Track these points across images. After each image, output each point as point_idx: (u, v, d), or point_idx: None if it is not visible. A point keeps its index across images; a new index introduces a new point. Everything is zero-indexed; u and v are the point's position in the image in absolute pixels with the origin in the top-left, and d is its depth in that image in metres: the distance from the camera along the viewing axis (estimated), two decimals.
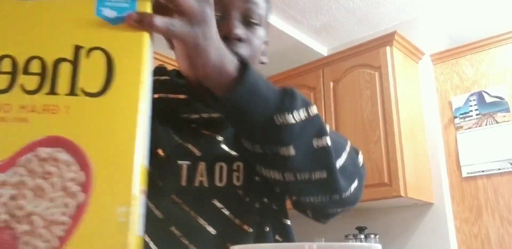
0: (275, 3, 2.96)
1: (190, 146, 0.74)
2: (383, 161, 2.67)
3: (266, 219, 0.77)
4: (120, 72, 0.35)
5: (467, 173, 2.75)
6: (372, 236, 2.83)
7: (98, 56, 0.34)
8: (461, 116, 2.85)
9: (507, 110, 2.69)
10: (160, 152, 0.72)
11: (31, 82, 0.34)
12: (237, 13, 0.74)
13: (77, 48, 0.34)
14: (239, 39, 0.73)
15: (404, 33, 2.93)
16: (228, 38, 0.71)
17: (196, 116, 0.75)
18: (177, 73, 0.82)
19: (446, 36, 3.37)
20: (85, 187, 0.32)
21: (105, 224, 0.32)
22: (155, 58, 2.51)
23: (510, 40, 2.79)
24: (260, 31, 0.78)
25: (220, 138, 0.77)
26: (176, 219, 0.70)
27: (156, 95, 0.76)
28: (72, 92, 0.34)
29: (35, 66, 0.34)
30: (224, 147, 0.77)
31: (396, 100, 2.74)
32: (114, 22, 0.35)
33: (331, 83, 3.05)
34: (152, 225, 0.64)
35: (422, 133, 2.91)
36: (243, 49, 0.73)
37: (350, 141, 0.83)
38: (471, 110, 2.82)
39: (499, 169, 2.64)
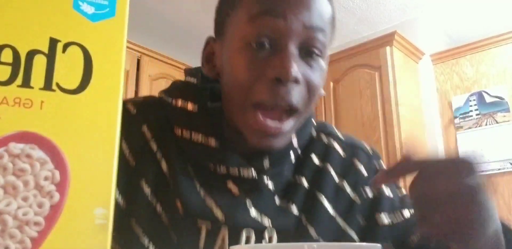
0: None
1: (213, 205, 0.61)
2: (383, 161, 2.65)
3: None
4: (99, 70, 0.33)
5: None
6: None
7: (75, 52, 0.33)
8: (461, 116, 2.84)
9: (507, 110, 2.68)
10: (179, 205, 0.60)
11: (2, 72, 0.32)
12: (296, 42, 0.57)
13: (53, 41, 0.33)
14: (296, 81, 0.57)
15: (404, 33, 2.91)
16: (282, 82, 0.55)
17: (223, 171, 0.62)
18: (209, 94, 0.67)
19: (446, 36, 3.36)
20: (60, 186, 0.31)
21: (82, 226, 0.31)
22: (160, 60, 2.49)
23: (510, 40, 2.78)
24: (322, 64, 0.61)
25: (249, 202, 0.63)
26: None
27: (178, 130, 0.63)
28: (47, 87, 0.32)
29: (6, 56, 0.32)
30: (253, 211, 0.62)
31: (396, 100, 2.73)
32: (92, 18, 0.34)
33: (331, 83, 3.04)
34: None
35: (422, 133, 2.90)
36: (298, 93, 0.57)
37: None
38: (471, 111, 2.81)
39: (499, 169, 2.63)
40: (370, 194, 0.69)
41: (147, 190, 0.61)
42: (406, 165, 0.48)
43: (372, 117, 2.78)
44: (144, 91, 2.83)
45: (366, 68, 2.90)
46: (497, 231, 0.48)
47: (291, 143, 0.65)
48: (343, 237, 0.65)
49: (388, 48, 2.84)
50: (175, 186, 0.61)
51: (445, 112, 2.93)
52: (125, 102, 0.65)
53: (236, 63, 0.57)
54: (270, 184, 0.64)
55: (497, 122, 2.70)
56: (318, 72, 0.60)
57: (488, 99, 2.76)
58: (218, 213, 0.61)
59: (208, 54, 0.66)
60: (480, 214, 0.44)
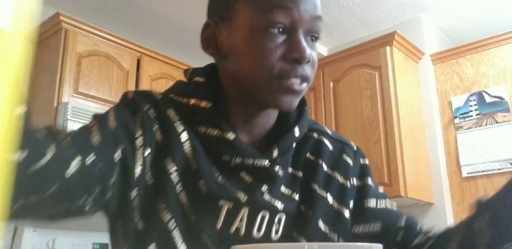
0: None
1: (235, 189, 0.69)
2: (383, 161, 2.66)
3: None
4: None
5: (467, 173, 2.75)
6: None
7: None
8: (461, 116, 2.85)
9: (507, 110, 2.69)
10: (203, 185, 0.68)
11: None
12: (304, 29, 0.68)
13: None
14: (308, 61, 0.68)
15: (404, 33, 2.92)
16: (299, 61, 0.66)
17: (239, 161, 0.70)
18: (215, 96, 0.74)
19: (446, 36, 3.37)
20: None
21: None
22: (160, 60, 2.49)
23: (510, 40, 2.79)
24: (317, 46, 0.73)
25: (264, 187, 0.71)
26: None
27: (197, 128, 0.71)
28: None
29: None
30: (267, 196, 0.71)
31: (396, 100, 2.74)
32: None
33: (331, 83, 3.04)
34: None
35: (422, 133, 2.90)
36: (308, 68, 0.69)
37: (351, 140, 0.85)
38: (471, 111, 2.81)
39: (499, 169, 2.64)
40: (356, 183, 0.80)
41: (171, 167, 0.68)
42: None
43: (372, 117, 2.79)
44: None
45: (366, 68, 2.90)
46: None
47: (295, 136, 0.75)
48: (338, 217, 0.75)
49: (388, 48, 2.84)
50: (198, 167, 0.68)
51: (445, 112, 2.93)
52: (146, 90, 0.76)
53: (260, 44, 0.67)
54: (280, 173, 0.73)
55: (497, 123, 2.71)
56: (316, 52, 0.71)
57: (488, 99, 2.77)
58: (241, 195, 0.69)
59: (209, 37, 0.73)
60: None
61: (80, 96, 2.51)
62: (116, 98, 2.66)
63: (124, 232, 0.67)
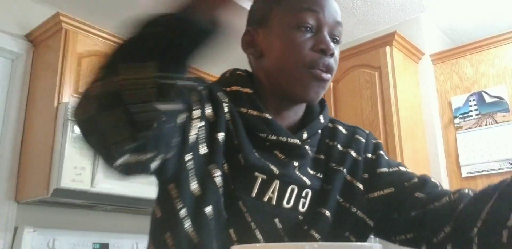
0: None
1: (269, 163, 0.79)
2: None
3: None
4: None
5: (467, 173, 2.75)
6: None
7: None
8: (461, 116, 2.85)
9: (507, 110, 2.69)
10: (241, 158, 0.78)
11: None
12: (327, 30, 0.80)
13: None
14: (332, 55, 0.79)
15: (404, 33, 2.92)
16: (324, 51, 0.78)
17: (274, 138, 0.80)
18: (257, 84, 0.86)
19: (446, 36, 3.37)
20: None
21: None
22: None
23: (510, 40, 2.79)
24: (338, 49, 0.84)
25: (295, 163, 0.81)
26: (237, 225, 0.75)
27: (239, 109, 0.81)
28: None
29: None
30: (297, 172, 0.81)
31: (396, 100, 2.74)
32: None
33: (331, 83, 3.04)
34: (217, 222, 0.74)
35: (422, 132, 2.91)
36: (332, 61, 0.80)
37: None
38: (471, 111, 2.81)
39: (499, 169, 2.64)
40: (370, 156, 0.90)
41: (220, 141, 0.78)
42: None
43: (372, 117, 2.79)
44: None
45: (366, 68, 2.90)
46: None
47: (320, 122, 0.88)
48: (351, 188, 0.85)
49: (388, 48, 2.84)
50: (239, 142, 0.79)
51: (445, 112, 2.93)
52: (199, 76, 0.86)
53: (292, 39, 0.79)
54: (310, 152, 0.84)
55: (497, 123, 2.71)
56: (338, 51, 0.82)
57: (488, 99, 2.77)
58: (274, 168, 0.78)
59: (248, 41, 0.86)
60: None
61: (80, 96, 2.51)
62: None
63: (179, 193, 0.74)
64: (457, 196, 0.75)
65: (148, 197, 2.55)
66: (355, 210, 0.83)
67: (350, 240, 0.82)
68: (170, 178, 0.74)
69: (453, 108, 2.89)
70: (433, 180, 0.84)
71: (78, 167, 2.28)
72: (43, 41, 2.68)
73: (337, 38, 0.82)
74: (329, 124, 0.92)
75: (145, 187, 2.54)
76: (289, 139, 0.80)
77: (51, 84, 2.48)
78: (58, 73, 2.46)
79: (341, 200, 0.83)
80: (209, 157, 0.76)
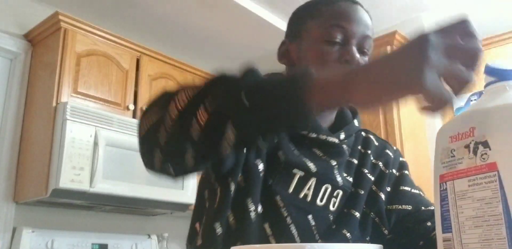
0: (277, 3, 2.95)
1: (307, 160, 0.82)
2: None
3: None
4: None
5: None
6: None
7: None
8: None
9: None
10: (281, 155, 0.81)
11: None
12: (355, 42, 0.85)
13: None
14: (358, 65, 0.82)
15: (404, 33, 2.91)
16: (349, 62, 0.82)
17: (314, 136, 0.84)
18: None
19: None
20: None
21: None
22: (160, 59, 2.46)
23: (510, 40, 2.78)
24: (367, 59, 0.89)
25: (333, 163, 0.85)
26: (272, 219, 0.78)
27: None
28: None
29: None
30: (335, 171, 0.85)
31: None
32: None
33: None
34: (244, 215, 0.76)
35: (423, 132, 2.90)
36: None
37: None
38: None
39: None
40: (395, 173, 0.96)
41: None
42: None
43: (372, 117, 2.78)
44: (144, 91, 2.82)
45: None
46: None
47: (355, 125, 0.93)
48: (374, 196, 0.90)
49: (388, 47, 2.83)
50: (278, 140, 0.82)
51: (446, 112, 2.92)
52: None
53: (320, 51, 0.84)
54: (347, 151, 0.89)
55: None
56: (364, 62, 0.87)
57: None
58: (312, 166, 0.82)
59: (283, 52, 0.93)
60: None
61: (79, 96, 2.50)
62: (115, 98, 2.66)
63: (233, 186, 0.78)
64: None
65: (148, 197, 2.54)
66: (374, 216, 0.89)
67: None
68: (228, 172, 0.78)
69: (454, 108, 2.89)
70: None
71: (77, 167, 2.27)
72: (41, 40, 2.66)
73: (365, 50, 0.87)
74: (363, 133, 0.98)
75: (144, 187, 2.53)
76: (328, 137, 0.84)
77: (50, 84, 2.46)
78: (56, 72, 2.45)
79: (364, 206, 0.88)
80: (255, 153, 0.81)
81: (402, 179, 0.96)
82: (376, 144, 0.98)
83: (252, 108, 0.55)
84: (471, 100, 2.83)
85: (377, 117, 2.75)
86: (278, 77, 0.58)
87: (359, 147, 0.94)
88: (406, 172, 0.98)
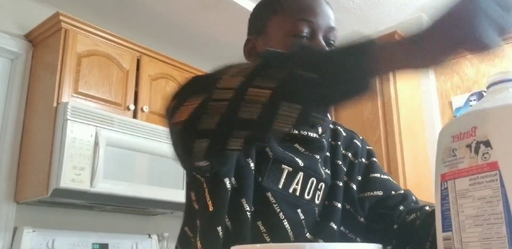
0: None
1: (293, 156, 0.84)
2: (383, 161, 2.66)
3: (339, 241, 0.85)
4: None
5: None
6: None
7: None
8: None
9: None
10: (269, 151, 0.82)
11: None
12: (322, 35, 0.86)
13: None
14: None
15: (404, 33, 2.91)
16: None
17: (296, 132, 0.85)
18: None
19: None
20: None
21: None
22: (160, 60, 2.46)
23: (510, 40, 2.79)
24: None
25: (317, 157, 0.87)
26: (264, 216, 0.78)
27: None
28: None
29: None
30: (319, 165, 0.87)
31: (396, 100, 2.74)
32: None
33: None
34: (240, 215, 0.76)
35: (422, 132, 2.90)
36: None
37: None
38: None
39: None
40: (364, 161, 0.98)
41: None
42: None
43: (372, 117, 2.79)
44: (144, 91, 2.82)
45: None
46: None
47: (330, 119, 0.95)
48: (347, 187, 0.91)
49: None
50: None
51: (445, 112, 2.93)
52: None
53: (289, 46, 0.83)
54: (326, 145, 0.90)
55: None
56: None
57: None
58: (299, 161, 0.84)
59: (250, 49, 0.93)
60: None
61: (79, 96, 2.50)
62: (116, 98, 2.66)
63: (229, 186, 0.78)
64: (419, 214, 0.86)
65: (148, 197, 2.54)
66: (348, 207, 0.91)
67: (347, 235, 0.89)
68: (226, 171, 0.78)
69: (454, 108, 2.89)
70: (413, 196, 0.95)
71: (77, 167, 2.27)
72: (42, 41, 2.67)
73: (332, 41, 0.88)
74: (330, 125, 0.99)
75: (145, 187, 2.53)
76: (309, 133, 0.86)
77: (51, 84, 2.47)
78: (57, 73, 2.45)
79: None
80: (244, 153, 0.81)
81: (371, 166, 0.98)
82: (344, 134, 1.00)
83: (321, 79, 0.56)
84: (470, 101, 2.83)
85: (376, 117, 2.76)
86: (339, 48, 0.60)
87: (330, 139, 0.96)
88: (374, 159, 1.00)
